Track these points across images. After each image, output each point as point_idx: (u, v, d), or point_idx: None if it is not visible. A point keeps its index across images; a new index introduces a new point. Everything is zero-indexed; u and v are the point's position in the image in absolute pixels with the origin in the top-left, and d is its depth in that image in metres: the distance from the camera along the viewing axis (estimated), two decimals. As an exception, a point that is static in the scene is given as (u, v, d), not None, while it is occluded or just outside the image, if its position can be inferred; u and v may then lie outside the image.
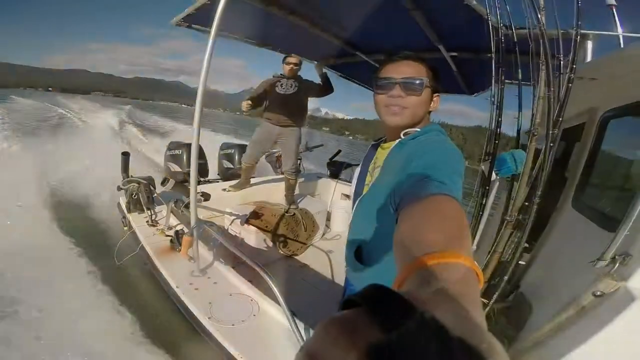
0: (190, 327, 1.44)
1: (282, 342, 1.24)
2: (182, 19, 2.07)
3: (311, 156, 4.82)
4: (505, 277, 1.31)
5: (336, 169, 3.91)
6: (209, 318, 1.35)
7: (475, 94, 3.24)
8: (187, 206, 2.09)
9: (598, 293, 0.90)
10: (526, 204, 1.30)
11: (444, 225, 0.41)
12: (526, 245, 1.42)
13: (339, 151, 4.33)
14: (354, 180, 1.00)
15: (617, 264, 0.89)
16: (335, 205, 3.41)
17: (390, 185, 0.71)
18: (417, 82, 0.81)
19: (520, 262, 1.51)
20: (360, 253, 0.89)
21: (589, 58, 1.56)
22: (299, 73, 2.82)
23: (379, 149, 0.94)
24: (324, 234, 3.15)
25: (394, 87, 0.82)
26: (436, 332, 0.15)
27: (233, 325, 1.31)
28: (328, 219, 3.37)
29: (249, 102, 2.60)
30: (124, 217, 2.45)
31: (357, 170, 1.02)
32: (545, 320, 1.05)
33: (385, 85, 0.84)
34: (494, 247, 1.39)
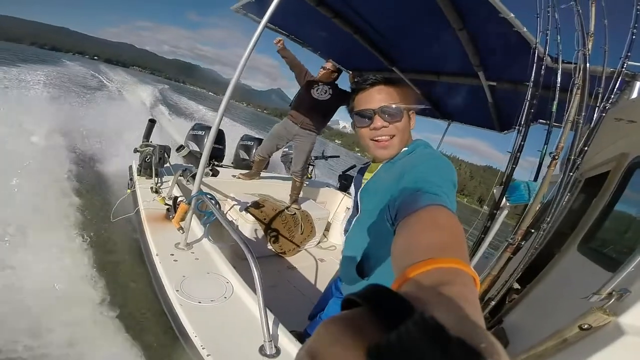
0: (157, 300, 1.36)
1: (245, 329, 1.15)
2: (242, 6, 2.16)
3: (325, 166, 4.78)
4: (493, 302, 1.21)
5: (347, 183, 3.86)
6: (176, 291, 1.27)
7: (505, 132, 3.07)
8: (194, 176, 2.09)
9: (585, 326, 0.85)
10: (532, 231, 1.22)
11: (439, 234, 0.41)
12: (518, 287, 1.33)
13: (354, 166, 4.31)
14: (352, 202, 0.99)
15: (613, 299, 0.84)
16: (338, 217, 3.35)
17: (383, 201, 0.71)
18: (395, 108, 0.80)
19: (508, 301, 1.41)
20: (362, 268, 0.88)
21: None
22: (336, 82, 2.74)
23: (367, 173, 0.94)
24: (319, 242, 3.07)
25: (373, 117, 0.81)
26: (435, 332, 0.15)
27: (200, 303, 1.23)
28: (327, 229, 3.30)
29: (287, 53, 2.64)
30: (131, 178, 2.47)
31: (352, 190, 1.02)
32: (521, 351, 0.96)
33: (363, 117, 0.82)
34: (490, 271, 1.29)
